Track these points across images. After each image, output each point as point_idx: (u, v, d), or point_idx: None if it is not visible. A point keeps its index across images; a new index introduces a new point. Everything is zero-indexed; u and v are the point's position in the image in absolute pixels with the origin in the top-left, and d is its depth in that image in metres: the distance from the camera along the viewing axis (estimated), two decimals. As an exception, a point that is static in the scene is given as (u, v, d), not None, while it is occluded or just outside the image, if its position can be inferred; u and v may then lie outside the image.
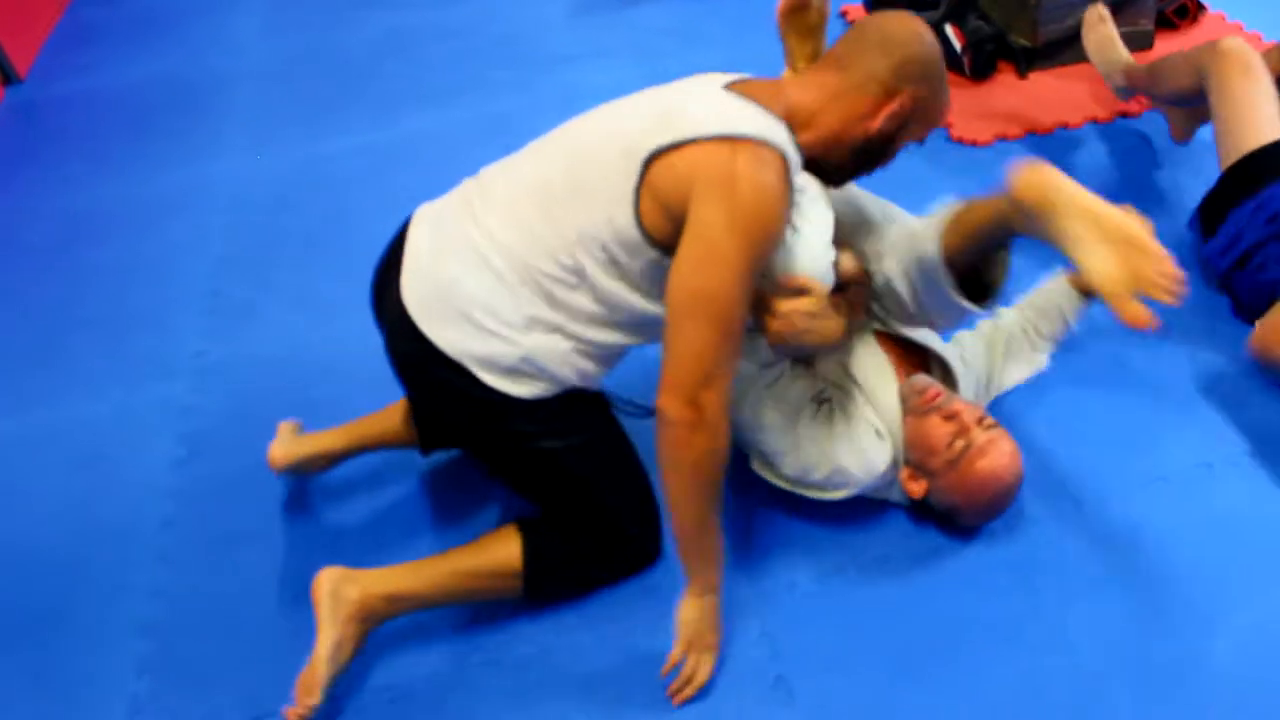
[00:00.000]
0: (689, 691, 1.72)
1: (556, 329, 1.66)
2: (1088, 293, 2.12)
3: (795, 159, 1.60)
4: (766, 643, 1.79)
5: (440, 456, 2.18)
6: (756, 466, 1.95)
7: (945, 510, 1.90)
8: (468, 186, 1.79)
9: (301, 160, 3.28)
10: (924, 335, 2.03)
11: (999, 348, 2.13)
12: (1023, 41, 3.16)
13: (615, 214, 1.57)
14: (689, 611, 1.71)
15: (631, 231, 1.57)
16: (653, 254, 1.59)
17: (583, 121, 1.73)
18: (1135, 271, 1.52)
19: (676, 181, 1.53)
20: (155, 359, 2.57)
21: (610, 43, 3.69)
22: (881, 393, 1.89)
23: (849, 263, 1.86)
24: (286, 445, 2.05)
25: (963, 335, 2.15)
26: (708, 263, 1.51)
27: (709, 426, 1.54)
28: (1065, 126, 2.96)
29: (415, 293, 1.70)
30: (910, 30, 1.64)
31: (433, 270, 1.70)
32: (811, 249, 1.70)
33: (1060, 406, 2.15)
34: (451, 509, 2.10)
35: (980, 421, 1.85)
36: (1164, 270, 1.50)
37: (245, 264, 2.86)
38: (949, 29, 3.17)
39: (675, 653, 1.72)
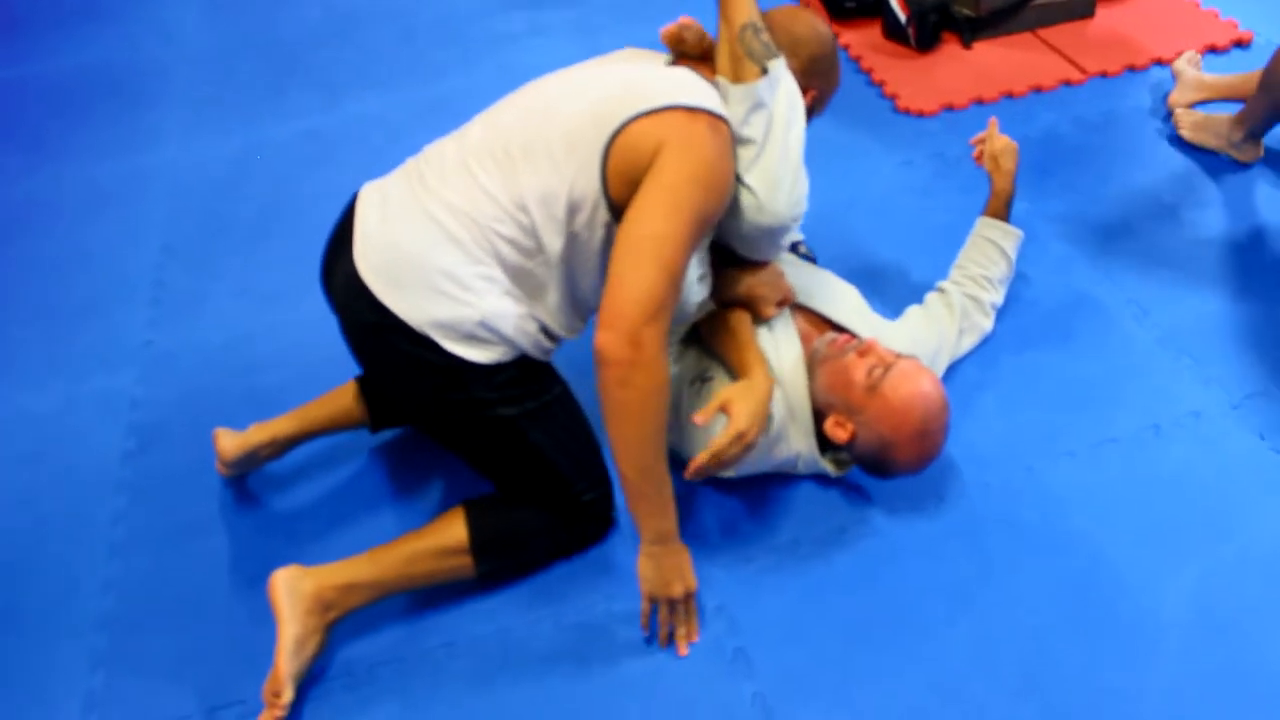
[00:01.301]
0: (681, 637, 1.75)
1: (508, 293, 1.69)
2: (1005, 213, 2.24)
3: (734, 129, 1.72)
4: (724, 617, 1.80)
5: (388, 437, 2.17)
6: None
7: (877, 454, 1.84)
8: (413, 162, 1.81)
9: (243, 146, 3.23)
10: (840, 312, 2.05)
11: (952, 324, 2.15)
12: (966, 12, 3.17)
13: (581, 175, 1.63)
14: (644, 565, 1.73)
15: (595, 192, 1.63)
16: (607, 217, 1.64)
17: (537, 89, 1.78)
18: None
19: (645, 142, 1.62)
20: (101, 350, 2.53)
21: (549, 21, 3.67)
22: (785, 359, 1.90)
23: (742, 285, 1.90)
24: (236, 436, 2.03)
25: (912, 311, 2.17)
26: (667, 207, 1.59)
27: (649, 364, 1.56)
28: (1010, 95, 2.97)
29: (370, 263, 1.70)
30: (811, 29, 1.85)
31: (387, 240, 1.70)
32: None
33: (1008, 372, 2.17)
34: (402, 490, 2.08)
35: (897, 357, 1.86)
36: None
37: (190, 252, 2.82)
38: (893, 1, 3.18)
39: (643, 608, 1.75)
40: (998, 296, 2.23)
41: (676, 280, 1.60)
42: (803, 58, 1.80)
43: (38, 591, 2.00)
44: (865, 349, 1.86)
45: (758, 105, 1.69)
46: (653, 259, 1.57)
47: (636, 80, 1.71)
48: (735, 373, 1.86)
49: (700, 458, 1.74)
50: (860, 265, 2.39)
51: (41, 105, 3.64)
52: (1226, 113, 2.60)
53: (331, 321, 1.82)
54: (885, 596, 1.81)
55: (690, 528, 1.93)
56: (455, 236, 1.66)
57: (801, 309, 2.03)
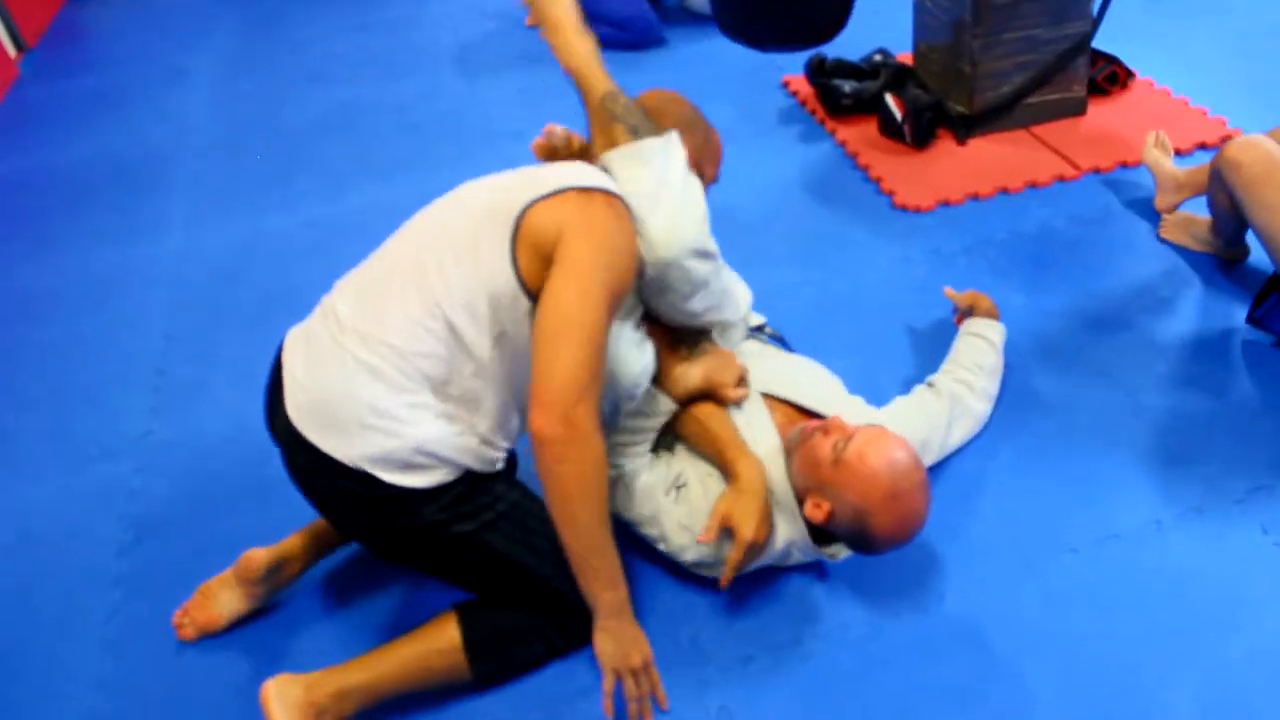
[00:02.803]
0: (648, 710, 1.75)
1: (441, 415, 1.70)
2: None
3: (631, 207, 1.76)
4: (725, 718, 1.77)
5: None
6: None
7: (856, 526, 1.79)
8: (328, 298, 1.84)
9: (246, 236, 3.26)
10: (817, 398, 2.06)
11: (942, 411, 2.15)
12: (961, 109, 3.24)
13: (495, 271, 1.67)
14: (601, 640, 1.72)
15: (511, 285, 1.66)
16: (528, 305, 1.67)
17: (433, 210, 1.85)
18: None
19: (547, 226, 1.67)
20: (99, 440, 2.52)
21: (552, 116, 3.70)
22: (762, 451, 1.90)
23: (696, 376, 1.93)
24: (260, 555, 1.95)
25: (897, 400, 2.18)
26: (578, 291, 1.62)
27: (582, 439, 1.59)
28: (1005, 191, 3.02)
29: (301, 410, 1.71)
30: (665, 100, 1.97)
31: (312, 384, 1.72)
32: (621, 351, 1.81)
33: (1008, 466, 2.17)
34: (399, 588, 2.06)
35: (859, 427, 1.86)
36: None
37: (191, 341, 2.83)
38: (889, 98, 3.24)
39: (605, 684, 1.72)
40: (989, 383, 2.25)
41: (599, 356, 1.63)
42: (669, 119, 1.86)
43: (26, 687, 1.96)
44: (828, 427, 1.86)
45: (641, 159, 1.76)
46: (572, 341, 1.59)
47: (527, 172, 1.79)
48: (723, 474, 1.88)
49: (726, 575, 1.79)
50: (855, 360, 2.39)
51: (48, 194, 3.69)
52: (1208, 216, 2.64)
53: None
54: (888, 697, 1.78)
55: (688, 627, 1.92)
56: (375, 369, 1.67)
57: (779, 402, 2.04)
